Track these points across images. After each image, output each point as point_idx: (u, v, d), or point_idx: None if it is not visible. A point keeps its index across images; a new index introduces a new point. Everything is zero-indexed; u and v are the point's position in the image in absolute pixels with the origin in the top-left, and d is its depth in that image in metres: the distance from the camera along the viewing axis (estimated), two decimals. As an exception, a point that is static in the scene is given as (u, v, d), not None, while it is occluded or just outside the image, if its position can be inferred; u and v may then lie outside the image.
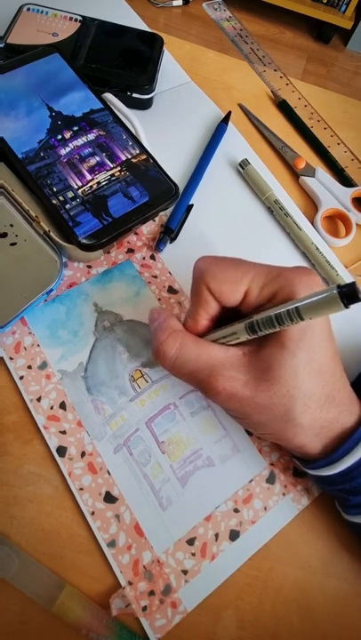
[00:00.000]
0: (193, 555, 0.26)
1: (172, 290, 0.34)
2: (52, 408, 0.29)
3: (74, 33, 0.41)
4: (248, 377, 0.23)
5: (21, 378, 0.29)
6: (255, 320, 0.23)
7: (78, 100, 0.36)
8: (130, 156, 0.34)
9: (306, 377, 0.23)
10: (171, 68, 0.45)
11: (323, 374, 0.24)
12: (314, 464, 0.25)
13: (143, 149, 0.35)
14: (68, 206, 0.31)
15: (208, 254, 0.26)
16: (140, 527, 0.27)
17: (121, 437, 0.28)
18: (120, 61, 0.40)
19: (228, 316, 0.26)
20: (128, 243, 0.35)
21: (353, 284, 0.18)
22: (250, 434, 0.30)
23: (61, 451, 0.28)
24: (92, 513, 0.27)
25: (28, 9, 0.42)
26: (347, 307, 0.18)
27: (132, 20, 0.47)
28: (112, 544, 0.26)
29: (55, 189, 0.31)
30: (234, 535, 0.27)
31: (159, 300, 0.33)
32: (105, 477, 0.27)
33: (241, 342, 0.24)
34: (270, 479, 0.29)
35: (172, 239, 0.35)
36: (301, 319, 0.20)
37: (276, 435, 0.25)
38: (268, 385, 0.23)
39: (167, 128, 0.41)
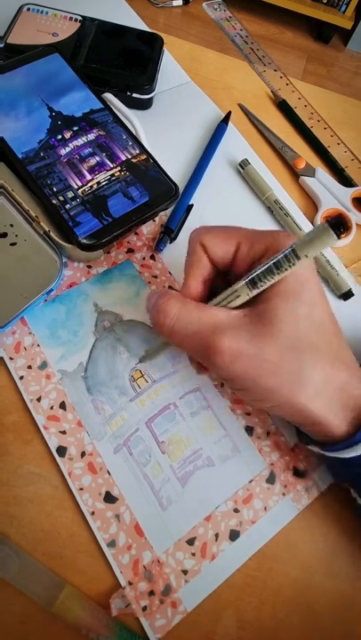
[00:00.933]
0: (193, 555, 0.26)
1: (172, 290, 0.34)
2: (52, 408, 0.29)
3: (74, 33, 0.41)
4: (252, 334, 0.22)
5: (21, 378, 0.29)
6: (255, 274, 0.23)
7: (78, 100, 0.36)
8: (130, 156, 0.34)
9: (310, 329, 0.23)
10: (171, 68, 0.45)
11: (325, 330, 0.23)
12: (334, 446, 0.24)
13: (143, 149, 0.35)
14: (68, 206, 0.31)
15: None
16: (140, 527, 0.27)
17: (121, 437, 0.29)
18: (120, 61, 0.40)
19: (221, 286, 0.26)
20: (128, 243, 0.35)
21: (339, 216, 0.19)
22: (250, 434, 0.30)
23: (61, 451, 0.28)
24: (92, 513, 0.27)
25: (28, 9, 0.42)
26: (339, 237, 0.19)
27: (132, 20, 0.47)
28: (112, 544, 0.26)
29: (55, 189, 0.31)
30: (234, 535, 0.27)
31: (159, 299, 0.33)
32: (105, 477, 0.27)
33: (242, 304, 0.24)
34: (270, 479, 0.29)
35: (172, 239, 0.35)
36: (298, 258, 0.21)
37: (288, 404, 0.23)
38: (274, 339, 0.22)
39: (167, 128, 0.41)
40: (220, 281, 0.27)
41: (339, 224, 0.19)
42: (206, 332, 0.23)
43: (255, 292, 0.23)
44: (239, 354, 0.22)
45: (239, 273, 0.25)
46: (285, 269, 0.21)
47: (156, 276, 0.34)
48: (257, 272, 0.22)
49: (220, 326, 0.23)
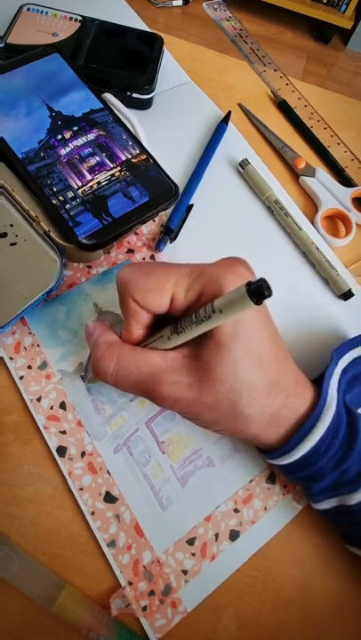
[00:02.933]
0: (193, 555, 0.26)
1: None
2: (52, 408, 0.29)
3: (74, 33, 0.41)
4: (190, 379, 0.23)
5: (21, 378, 0.29)
6: (180, 321, 0.23)
7: (78, 100, 0.36)
8: (130, 156, 0.34)
9: (246, 369, 0.23)
10: (171, 68, 0.45)
11: (263, 363, 0.23)
12: (271, 454, 0.25)
13: (143, 149, 0.35)
14: (68, 206, 0.31)
15: (132, 266, 0.25)
16: (140, 527, 0.27)
17: (121, 437, 0.28)
18: (120, 61, 0.40)
19: (164, 320, 0.25)
20: (128, 243, 0.35)
21: (261, 280, 0.18)
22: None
23: (61, 451, 0.28)
24: (92, 513, 0.27)
25: (28, 9, 0.42)
26: (257, 303, 0.18)
27: (132, 20, 0.47)
28: (112, 544, 0.26)
29: (55, 189, 0.31)
30: (234, 535, 0.27)
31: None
32: (105, 477, 0.27)
33: (178, 346, 0.24)
34: (270, 479, 0.29)
35: (172, 239, 0.35)
36: (214, 312, 0.20)
37: (230, 429, 0.25)
38: (211, 384, 0.23)
39: (167, 128, 0.41)
40: (164, 318, 0.26)
41: (259, 291, 0.18)
42: (147, 381, 0.24)
43: (178, 338, 0.23)
44: (178, 399, 0.23)
45: (177, 316, 0.24)
46: (205, 321, 0.21)
47: (156, 276, 0.34)
48: (182, 319, 0.22)
49: (157, 373, 0.23)
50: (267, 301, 0.19)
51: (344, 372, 0.27)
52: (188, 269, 0.24)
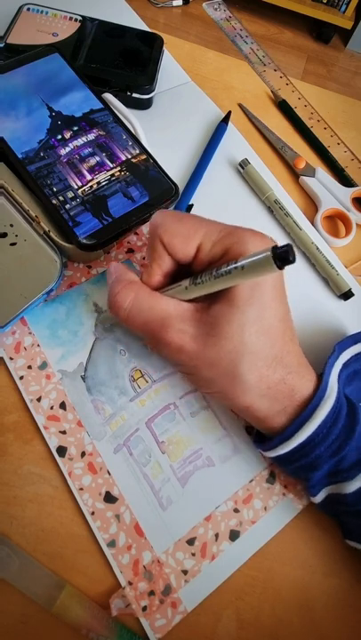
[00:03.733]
0: (193, 555, 0.26)
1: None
2: (52, 408, 0.29)
3: (74, 33, 0.41)
4: (198, 331, 0.24)
5: (21, 378, 0.29)
6: (200, 273, 0.24)
7: (78, 100, 0.36)
8: (130, 156, 0.34)
9: (253, 334, 0.23)
10: (171, 68, 0.45)
11: (271, 334, 0.24)
12: (271, 442, 0.25)
13: (143, 149, 0.35)
14: (68, 206, 0.31)
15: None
16: (140, 527, 0.27)
17: (121, 437, 0.28)
18: (120, 61, 0.40)
19: (183, 275, 0.26)
20: (128, 243, 0.35)
21: (288, 245, 0.18)
22: (250, 434, 0.30)
23: (61, 451, 0.28)
24: (92, 513, 0.27)
25: (28, 9, 0.42)
26: (280, 268, 0.18)
27: (132, 20, 0.47)
28: (112, 544, 0.26)
29: (55, 189, 0.31)
30: (234, 535, 0.27)
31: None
32: (105, 477, 0.27)
33: (194, 299, 0.25)
34: (270, 479, 0.29)
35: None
36: (236, 269, 0.21)
37: (223, 393, 0.25)
38: (216, 340, 0.23)
39: (167, 128, 0.41)
40: (183, 269, 0.27)
41: (285, 257, 0.18)
42: (156, 323, 0.24)
43: (195, 290, 0.24)
44: (182, 347, 0.24)
45: (198, 269, 0.25)
46: (222, 276, 0.22)
47: (156, 276, 0.34)
48: (202, 275, 0.23)
49: (168, 319, 0.24)
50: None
51: (345, 365, 0.28)
52: (220, 226, 0.25)
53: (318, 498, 0.26)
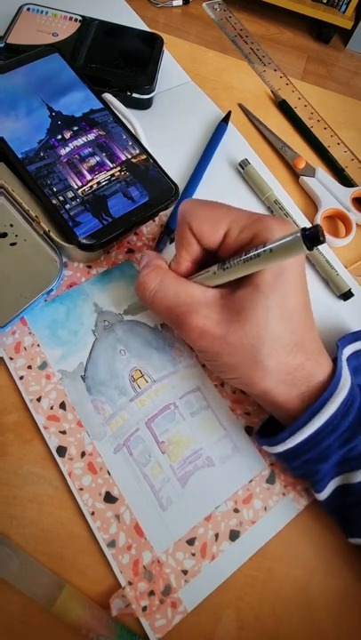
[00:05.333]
0: (193, 555, 0.26)
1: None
2: (52, 408, 0.29)
3: (74, 33, 0.41)
4: (221, 317, 0.24)
5: (21, 378, 0.29)
6: (228, 258, 0.24)
7: (78, 100, 0.36)
8: (130, 156, 0.34)
9: (276, 320, 0.24)
10: (171, 68, 0.45)
11: (293, 320, 0.24)
12: (281, 435, 0.25)
13: (143, 149, 0.35)
14: (68, 206, 0.31)
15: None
16: (140, 527, 0.27)
17: (121, 437, 0.28)
18: (120, 61, 0.40)
19: (209, 265, 0.26)
20: (128, 243, 0.35)
21: (317, 226, 0.19)
22: (250, 434, 0.30)
23: (61, 451, 0.28)
24: (92, 513, 0.27)
25: (28, 9, 0.42)
26: (310, 249, 0.19)
27: (132, 20, 0.47)
28: (112, 544, 0.26)
29: (55, 189, 0.31)
30: (234, 535, 0.27)
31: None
32: (105, 477, 0.27)
33: (219, 285, 0.25)
34: (270, 479, 0.29)
35: (172, 239, 0.35)
36: (265, 253, 0.22)
37: (244, 378, 0.25)
38: (240, 325, 0.24)
39: (167, 128, 0.41)
40: (212, 257, 0.27)
41: (314, 237, 0.19)
42: (180, 307, 0.25)
43: (224, 275, 0.24)
44: (205, 333, 0.24)
45: (225, 256, 0.25)
46: (251, 259, 0.22)
47: (156, 276, 0.34)
48: (230, 260, 0.24)
49: (193, 304, 0.25)
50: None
51: (347, 361, 0.28)
52: (247, 213, 0.25)
53: (324, 494, 0.26)
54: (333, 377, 0.25)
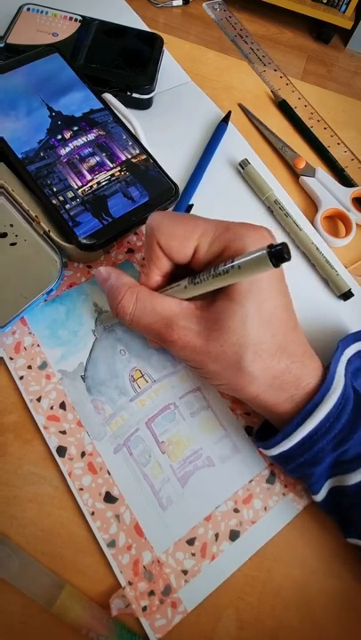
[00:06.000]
0: (193, 555, 0.26)
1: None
2: (51, 408, 0.29)
3: (74, 33, 0.41)
4: (200, 328, 0.24)
5: (21, 378, 0.29)
6: (198, 273, 0.24)
7: (78, 100, 0.36)
8: (130, 156, 0.34)
9: (255, 326, 0.24)
10: (171, 68, 0.45)
11: (272, 324, 0.24)
12: (274, 439, 0.25)
13: (143, 149, 0.35)
14: (68, 206, 0.31)
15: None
16: (140, 527, 0.27)
17: (121, 437, 0.28)
18: (120, 61, 0.40)
19: (182, 274, 0.26)
20: (128, 243, 0.35)
21: (283, 244, 0.19)
22: (250, 434, 0.30)
23: (61, 451, 0.28)
24: (92, 513, 0.27)
25: (28, 9, 0.42)
26: (276, 266, 0.19)
27: (132, 19, 0.47)
28: (112, 544, 0.26)
29: (55, 189, 0.31)
30: (234, 535, 0.27)
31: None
32: (105, 477, 0.27)
33: (194, 297, 0.25)
34: (270, 479, 0.29)
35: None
36: (233, 269, 0.22)
37: (231, 384, 0.25)
38: (219, 334, 0.24)
39: (167, 128, 0.41)
40: (182, 269, 0.27)
41: (280, 255, 0.19)
42: (160, 323, 0.25)
43: (194, 289, 0.24)
44: (187, 344, 0.25)
45: (197, 269, 0.25)
46: (220, 275, 0.22)
47: (156, 276, 0.34)
48: (200, 275, 0.24)
49: (171, 318, 0.25)
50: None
51: (349, 362, 0.28)
52: (216, 223, 0.25)
53: (320, 495, 0.26)
54: (325, 380, 0.25)
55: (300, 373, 0.25)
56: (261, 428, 0.29)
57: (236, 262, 0.21)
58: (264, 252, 0.19)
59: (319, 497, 0.26)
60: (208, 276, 0.23)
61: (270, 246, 0.19)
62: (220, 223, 0.25)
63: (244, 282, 0.23)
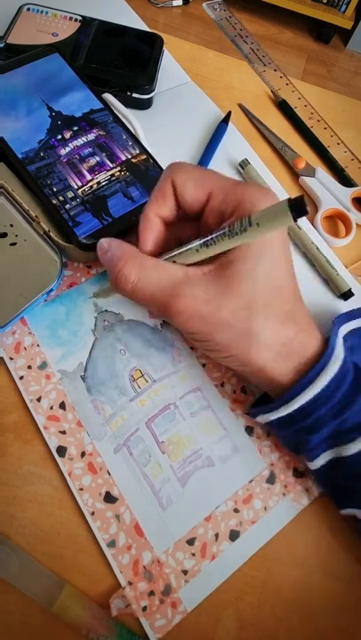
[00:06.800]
0: (193, 555, 0.26)
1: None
2: (51, 408, 0.29)
3: (74, 33, 0.41)
4: (209, 295, 0.23)
5: (21, 378, 0.29)
6: (211, 234, 0.23)
7: (78, 100, 0.36)
8: (130, 156, 0.34)
9: (266, 291, 0.24)
10: (171, 68, 0.45)
11: (282, 291, 0.24)
12: (274, 403, 0.25)
13: (143, 149, 0.35)
14: (68, 206, 0.31)
15: None
16: (140, 527, 0.27)
17: (121, 437, 0.28)
18: (120, 61, 0.40)
19: (171, 242, 0.26)
20: (128, 243, 0.35)
21: (302, 196, 0.19)
22: (250, 434, 0.30)
23: (61, 451, 0.28)
24: (92, 513, 0.27)
25: (28, 9, 0.42)
26: (295, 219, 0.19)
27: (132, 20, 0.47)
28: (112, 544, 0.26)
29: (55, 189, 0.31)
30: (234, 535, 0.27)
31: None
32: (105, 477, 0.27)
33: (201, 262, 0.24)
34: (270, 479, 0.29)
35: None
36: (250, 226, 0.21)
37: (239, 355, 0.24)
38: (229, 299, 0.23)
39: (167, 128, 0.41)
40: (174, 234, 0.27)
41: (299, 207, 0.19)
42: (164, 293, 0.24)
43: (207, 251, 0.23)
44: (194, 313, 0.23)
45: (206, 223, 0.25)
46: (238, 235, 0.22)
47: (156, 276, 0.34)
48: (214, 236, 0.23)
49: (177, 286, 0.24)
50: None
51: (344, 339, 0.28)
52: (233, 181, 0.25)
53: (317, 463, 0.26)
54: (326, 349, 0.25)
55: (305, 342, 0.25)
56: (257, 401, 0.29)
57: (253, 219, 0.21)
58: (285, 204, 0.19)
59: (315, 464, 0.26)
60: (223, 236, 0.22)
61: (290, 199, 0.19)
62: (237, 181, 0.25)
63: (256, 245, 0.23)
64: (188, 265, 0.25)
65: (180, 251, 0.25)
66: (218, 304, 0.23)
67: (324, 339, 0.27)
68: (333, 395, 0.24)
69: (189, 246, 0.24)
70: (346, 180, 0.42)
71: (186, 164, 0.26)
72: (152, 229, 0.26)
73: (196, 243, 0.24)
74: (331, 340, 0.26)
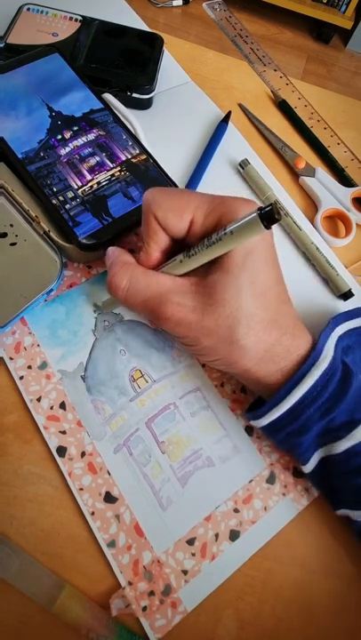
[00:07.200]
0: (193, 555, 0.26)
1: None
2: (51, 408, 0.29)
3: (74, 33, 0.41)
4: (195, 303, 0.25)
5: (21, 378, 0.29)
6: (193, 246, 0.24)
7: (78, 100, 0.36)
8: (130, 156, 0.34)
9: (249, 299, 0.24)
10: (171, 68, 0.45)
11: (266, 297, 0.25)
12: (262, 409, 0.26)
13: (143, 149, 0.35)
14: (68, 206, 0.31)
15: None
16: (140, 527, 0.27)
17: (121, 437, 0.28)
18: (120, 61, 0.40)
19: (178, 251, 0.26)
20: (128, 243, 0.35)
21: (272, 204, 0.19)
22: (250, 434, 0.30)
23: (61, 451, 0.28)
24: (92, 513, 0.27)
25: (28, 9, 0.42)
26: (267, 227, 0.19)
27: (132, 20, 0.47)
28: (112, 544, 0.26)
29: (55, 189, 0.31)
30: (234, 535, 0.27)
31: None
32: (105, 477, 0.27)
33: (188, 272, 0.26)
34: (270, 479, 0.29)
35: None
36: (225, 235, 0.22)
37: (224, 360, 0.25)
38: (213, 308, 0.24)
39: (167, 128, 0.41)
40: (180, 246, 0.27)
41: (269, 215, 0.19)
42: (154, 300, 0.25)
43: (190, 262, 0.25)
44: (181, 320, 0.25)
45: (193, 243, 0.26)
46: (214, 244, 0.23)
47: (156, 276, 0.34)
48: (195, 247, 0.24)
49: (165, 294, 0.25)
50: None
51: (340, 339, 0.28)
52: (210, 197, 0.26)
53: (310, 466, 0.26)
54: (314, 350, 0.25)
55: (289, 345, 0.26)
56: (253, 404, 0.30)
57: (228, 229, 0.22)
58: (255, 214, 0.20)
59: (308, 467, 0.26)
60: (202, 246, 0.24)
61: (260, 209, 0.19)
62: (215, 197, 0.26)
63: (238, 255, 0.24)
64: (179, 275, 0.26)
65: (168, 263, 0.26)
66: (202, 313, 0.24)
67: (313, 339, 0.27)
68: (320, 394, 0.25)
69: (175, 258, 0.26)
70: (346, 180, 0.42)
71: (161, 193, 0.26)
72: (156, 247, 0.27)
73: (180, 255, 0.25)
74: (319, 342, 0.26)
